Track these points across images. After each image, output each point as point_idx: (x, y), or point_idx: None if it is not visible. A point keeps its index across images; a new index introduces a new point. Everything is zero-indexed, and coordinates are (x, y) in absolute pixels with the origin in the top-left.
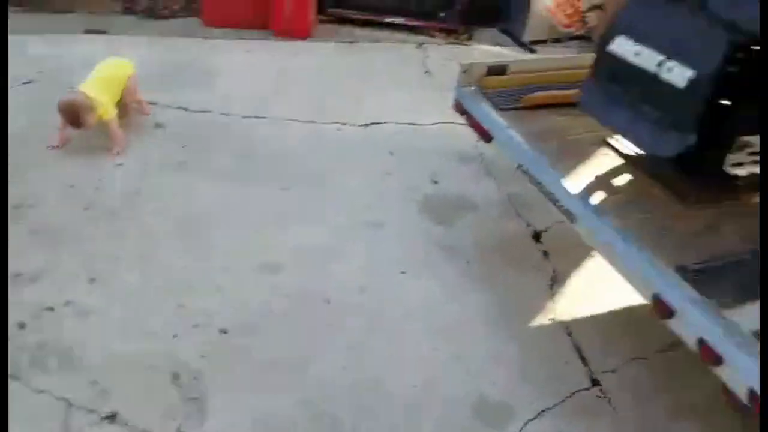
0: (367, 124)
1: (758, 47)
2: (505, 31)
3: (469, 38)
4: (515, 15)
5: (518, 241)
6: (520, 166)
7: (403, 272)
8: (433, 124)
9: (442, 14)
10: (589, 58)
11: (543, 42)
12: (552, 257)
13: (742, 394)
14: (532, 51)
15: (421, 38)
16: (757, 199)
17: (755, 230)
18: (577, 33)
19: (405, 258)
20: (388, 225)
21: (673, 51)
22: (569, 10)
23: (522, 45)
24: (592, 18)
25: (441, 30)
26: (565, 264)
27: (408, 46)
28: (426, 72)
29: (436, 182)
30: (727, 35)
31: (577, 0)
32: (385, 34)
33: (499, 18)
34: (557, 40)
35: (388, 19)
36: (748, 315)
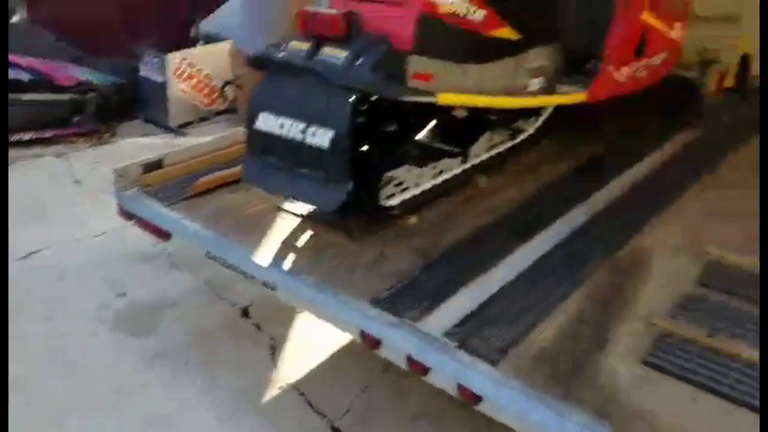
0: (24, 257)
1: (372, 100)
2: (149, 120)
3: (113, 135)
4: (155, 103)
5: (229, 323)
6: (208, 253)
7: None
8: (102, 234)
9: (76, 119)
10: (240, 132)
11: (190, 123)
12: (265, 328)
13: (452, 387)
14: (182, 134)
15: (59, 148)
16: (411, 219)
17: (419, 246)
18: (221, 108)
19: (113, 389)
20: (82, 364)
21: (311, 118)
22: (206, 90)
23: (170, 130)
24: (230, 92)
25: (79, 135)
26: (279, 330)
27: (46, 159)
28: (75, 182)
29: (123, 294)
30: (347, 96)
31: (211, 80)
32: (15, 153)
33: (139, 108)
34: (204, 119)
35: (14, 138)
36: (436, 320)
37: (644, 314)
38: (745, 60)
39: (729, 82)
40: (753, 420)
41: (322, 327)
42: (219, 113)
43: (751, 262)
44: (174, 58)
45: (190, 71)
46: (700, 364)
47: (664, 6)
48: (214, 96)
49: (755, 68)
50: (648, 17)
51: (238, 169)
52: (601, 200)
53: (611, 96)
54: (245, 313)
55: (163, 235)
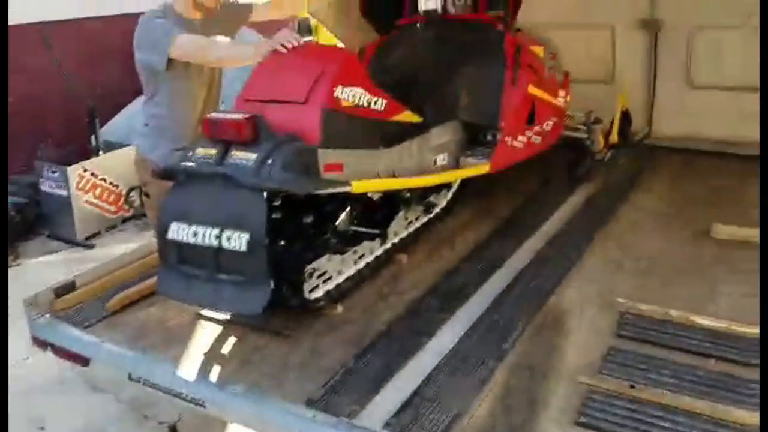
0: None
1: (286, 196)
2: (54, 236)
3: (17, 258)
4: (59, 217)
5: None
6: (130, 376)
7: None
8: (26, 359)
9: None
10: (151, 243)
11: (97, 234)
12: None
13: None
14: (90, 247)
15: None
16: (338, 309)
17: (349, 335)
18: (128, 215)
19: None
20: None
21: (225, 223)
22: (111, 198)
23: (77, 244)
24: (136, 198)
25: None
26: None
27: None
28: None
29: (42, 429)
30: (260, 196)
31: (116, 187)
32: None
33: (42, 224)
34: (112, 227)
35: None
36: (375, 412)
37: (570, 374)
38: (624, 116)
39: (614, 138)
40: None
41: None
42: (126, 220)
43: (659, 309)
44: (75, 170)
45: (94, 181)
46: (628, 417)
47: (547, 78)
48: (120, 203)
49: (635, 123)
50: (534, 89)
51: (153, 280)
52: (516, 264)
53: (512, 163)
54: (173, 431)
55: (81, 360)
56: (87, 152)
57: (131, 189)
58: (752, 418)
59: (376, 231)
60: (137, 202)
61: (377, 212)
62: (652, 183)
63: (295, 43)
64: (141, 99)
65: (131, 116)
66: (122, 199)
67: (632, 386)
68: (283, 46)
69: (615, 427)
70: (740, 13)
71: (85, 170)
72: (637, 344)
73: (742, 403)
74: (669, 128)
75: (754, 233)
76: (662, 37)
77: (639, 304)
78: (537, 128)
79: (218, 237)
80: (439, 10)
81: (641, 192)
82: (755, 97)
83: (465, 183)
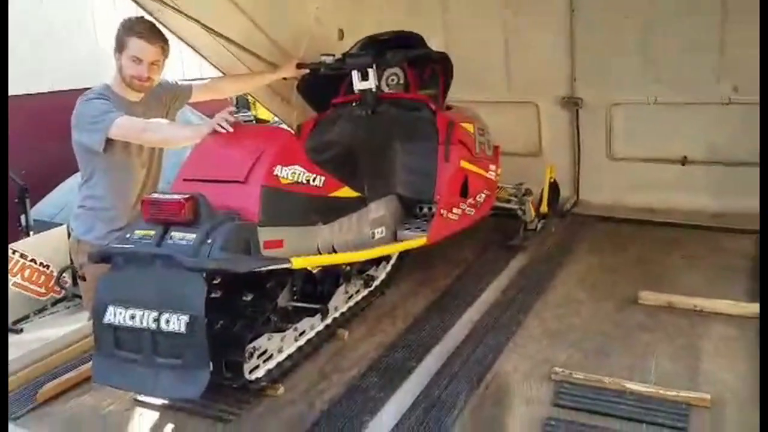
0: None
1: (225, 276)
2: None
3: None
4: None
5: None
6: None
7: None
8: None
9: None
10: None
11: (26, 318)
12: None
13: None
14: (18, 331)
15: None
16: (279, 390)
17: (290, 417)
18: (59, 296)
19: None
20: None
21: (163, 305)
22: (41, 279)
23: None
24: (68, 278)
25: None
26: None
27: None
28: None
29: None
30: (199, 277)
31: (47, 268)
32: None
33: None
34: (42, 309)
35: None
36: None
37: None
38: (553, 187)
39: (544, 208)
40: None
41: None
42: (57, 302)
43: (593, 377)
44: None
45: (23, 262)
46: None
47: (478, 153)
48: (51, 284)
49: (564, 194)
50: (466, 164)
51: (87, 367)
52: (456, 335)
53: (448, 235)
54: None
55: None
56: (15, 232)
57: (63, 269)
58: None
59: (317, 306)
60: (69, 283)
61: (318, 287)
62: (581, 251)
63: (230, 127)
64: (74, 177)
65: (64, 194)
66: (53, 281)
67: None
68: (222, 126)
69: None
70: (648, 92)
71: (14, 252)
72: (574, 413)
73: None
74: (594, 198)
75: (677, 299)
76: (583, 114)
77: (575, 373)
78: (470, 200)
79: (156, 320)
80: (374, 89)
81: (572, 261)
82: (667, 167)
83: (404, 255)
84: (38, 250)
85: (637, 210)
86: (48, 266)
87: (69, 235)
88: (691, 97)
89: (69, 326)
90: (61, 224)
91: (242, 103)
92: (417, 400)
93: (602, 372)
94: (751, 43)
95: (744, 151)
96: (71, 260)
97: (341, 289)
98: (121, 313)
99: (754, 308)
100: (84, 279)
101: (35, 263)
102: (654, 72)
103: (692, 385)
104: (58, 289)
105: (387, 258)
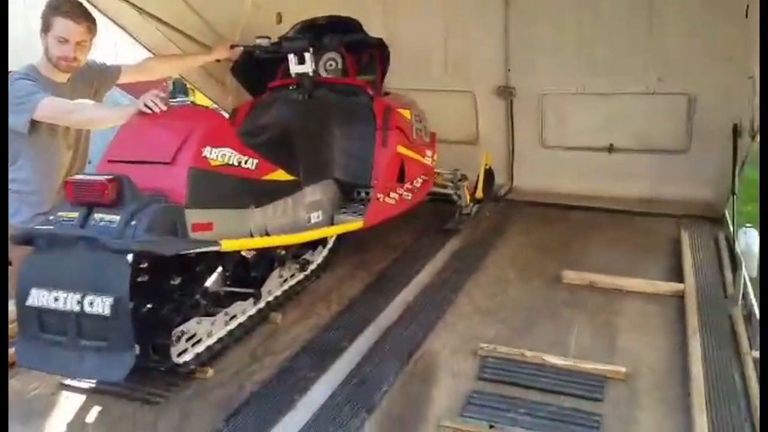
0: None
1: (152, 258)
2: None
3: None
4: None
5: None
6: None
7: None
8: None
9: None
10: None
11: None
12: None
13: None
14: None
15: None
16: (208, 372)
17: (220, 399)
18: None
19: None
20: None
21: (87, 287)
22: None
23: None
24: None
25: None
26: None
27: None
28: None
29: None
30: (123, 258)
31: None
32: None
33: None
34: None
35: None
36: None
37: (435, 419)
38: (488, 173)
39: (479, 193)
40: None
41: None
42: None
43: (515, 351)
44: None
45: None
46: None
47: (415, 139)
48: None
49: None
50: (403, 150)
51: (11, 351)
52: (389, 315)
53: (385, 219)
54: None
55: None
56: None
57: None
58: None
59: (250, 290)
60: None
61: (251, 271)
62: (512, 234)
63: (161, 106)
64: None
65: None
66: None
67: (491, 426)
68: (148, 107)
69: None
70: (579, 82)
71: None
72: (497, 386)
73: None
74: (527, 184)
75: (598, 278)
76: (517, 103)
77: (498, 347)
78: (407, 185)
79: (80, 302)
80: (311, 73)
81: (503, 244)
82: (595, 155)
83: (341, 240)
84: None
85: (568, 196)
86: None
87: None
88: (619, 87)
89: None
90: None
91: (179, 88)
92: (347, 379)
93: (526, 347)
94: (675, 36)
95: (668, 139)
96: None
97: (275, 273)
98: (44, 296)
99: (671, 287)
100: (10, 264)
101: None
102: (584, 63)
103: (609, 359)
104: None
105: (323, 242)
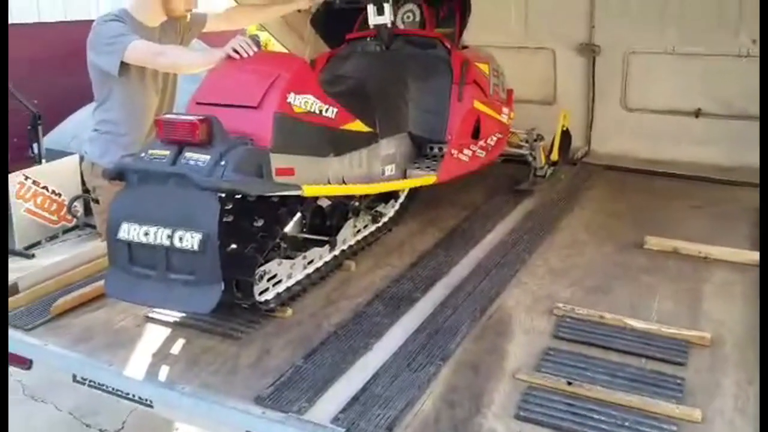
0: None
1: (238, 198)
2: None
3: None
4: None
5: None
6: (75, 377)
7: None
8: None
9: None
10: (97, 247)
11: (38, 244)
12: None
13: None
14: (29, 256)
15: None
16: (287, 312)
17: (299, 337)
18: (71, 225)
19: None
20: None
21: (177, 223)
22: (53, 207)
23: (16, 253)
24: (79, 208)
25: None
26: None
27: None
28: None
29: None
30: (213, 197)
31: (58, 196)
32: None
33: None
34: (53, 237)
35: None
36: (322, 409)
37: (510, 372)
38: (565, 135)
39: (554, 155)
40: None
41: None
42: (68, 230)
43: (594, 312)
44: (16, 178)
45: (35, 189)
46: (565, 411)
47: (492, 95)
48: (63, 212)
49: (576, 142)
50: (479, 105)
51: (100, 284)
52: (461, 271)
53: (458, 175)
54: None
55: (23, 362)
56: (26, 160)
57: (75, 198)
58: (676, 410)
59: (326, 238)
60: (80, 212)
61: (327, 220)
62: (589, 199)
63: (250, 51)
64: (87, 108)
65: (76, 125)
66: (65, 209)
67: (569, 383)
68: (237, 52)
69: (552, 420)
70: (668, 41)
71: (27, 178)
72: (574, 345)
73: (669, 397)
74: (606, 147)
75: (682, 245)
76: (600, 61)
77: (577, 308)
78: (482, 143)
79: (170, 237)
80: (389, 24)
81: (579, 207)
82: (680, 120)
83: (412, 196)
84: (50, 178)
85: (648, 161)
86: (60, 194)
87: (81, 160)
88: (709, 49)
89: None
90: (73, 153)
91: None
92: (421, 327)
93: (604, 309)
94: None
95: (758, 106)
96: (83, 188)
97: (350, 222)
98: (135, 230)
99: (754, 256)
100: (97, 202)
101: (47, 191)
102: (674, 22)
103: (693, 324)
104: (70, 217)
105: (395, 196)
